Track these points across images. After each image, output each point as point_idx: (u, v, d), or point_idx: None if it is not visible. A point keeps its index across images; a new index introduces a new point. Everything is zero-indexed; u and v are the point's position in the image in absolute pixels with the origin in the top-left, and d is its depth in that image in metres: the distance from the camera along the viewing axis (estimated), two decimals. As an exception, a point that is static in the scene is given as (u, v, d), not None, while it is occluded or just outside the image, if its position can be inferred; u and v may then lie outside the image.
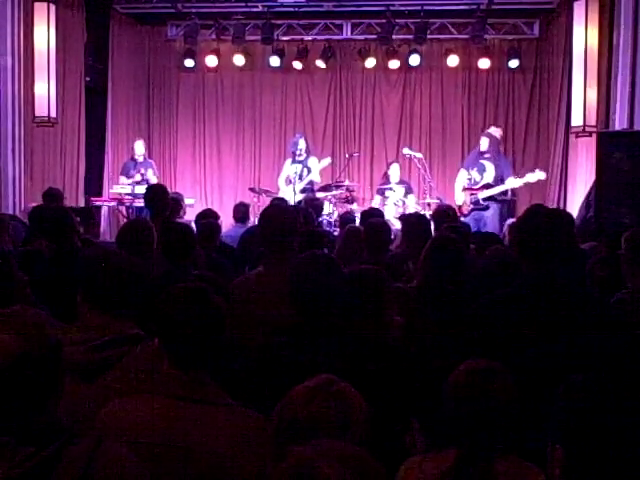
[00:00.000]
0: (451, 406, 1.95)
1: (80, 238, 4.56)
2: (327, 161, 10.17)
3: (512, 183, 9.08)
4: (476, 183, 9.24)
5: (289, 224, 3.46)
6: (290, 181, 9.73)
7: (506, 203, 10.03)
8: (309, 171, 9.86)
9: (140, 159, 10.16)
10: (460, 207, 9.07)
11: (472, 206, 8.99)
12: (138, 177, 9.80)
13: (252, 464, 1.82)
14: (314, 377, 1.75)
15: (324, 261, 2.68)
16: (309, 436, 1.58)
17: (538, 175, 9.11)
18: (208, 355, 1.98)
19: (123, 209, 9.68)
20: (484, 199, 9.05)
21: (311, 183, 9.80)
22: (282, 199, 7.82)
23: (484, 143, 9.43)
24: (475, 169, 9.32)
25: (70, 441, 1.47)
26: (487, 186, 9.09)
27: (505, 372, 1.99)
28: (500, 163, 9.36)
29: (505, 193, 9.27)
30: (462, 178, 9.43)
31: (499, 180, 9.13)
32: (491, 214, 9.04)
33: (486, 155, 9.36)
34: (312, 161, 10.00)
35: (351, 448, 1.28)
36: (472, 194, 9.13)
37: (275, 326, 2.69)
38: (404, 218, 5.78)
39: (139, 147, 10.24)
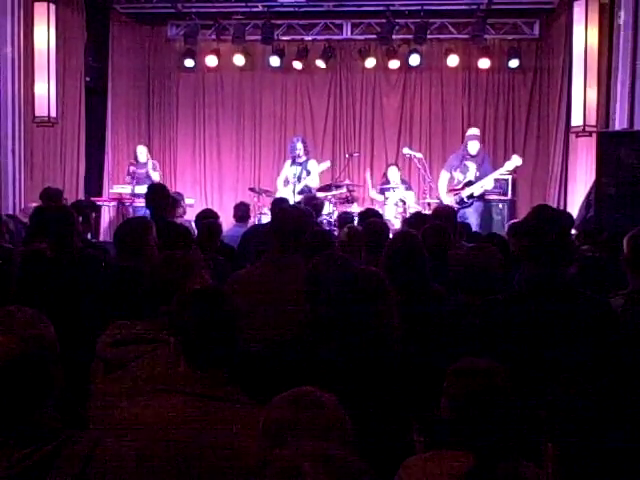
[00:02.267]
0: (453, 407, 1.94)
1: (81, 238, 4.55)
2: (326, 165, 10.13)
3: (492, 176, 9.11)
4: (459, 183, 9.25)
5: (303, 224, 3.54)
6: (288, 182, 9.74)
7: (505, 202, 10.04)
8: (308, 173, 9.84)
9: (142, 159, 10.22)
10: None
11: (457, 206, 8.99)
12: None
13: None
14: (296, 387, 1.77)
15: (341, 262, 2.75)
16: (281, 443, 1.60)
17: (515, 161, 9.14)
18: (223, 355, 2.00)
19: (130, 210, 9.65)
20: (468, 197, 9.08)
21: (306, 187, 9.77)
22: (284, 199, 7.81)
23: (476, 146, 9.37)
24: (458, 170, 9.34)
25: (68, 440, 1.47)
26: (469, 184, 9.11)
27: (502, 371, 1.98)
28: (482, 162, 9.37)
29: (503, 192, 9.27)
30: (444, 180, 9.44)
31: (481, 178, 9.14)
32: (472, 210, 9.06)
33: (472, 157, 9.35)
34: (312, 164, 9.95)
35: (334, 448, 1.29)
36: (456, 194, 9.15)
37: (284, 323, 2.73)
38: (405, 219, 5.80)
39: (140, 150, 10.31)
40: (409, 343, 2.80)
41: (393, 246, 3.42)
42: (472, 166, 9.28)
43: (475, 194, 9.01)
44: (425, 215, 6.07)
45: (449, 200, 9.23)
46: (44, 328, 1.55)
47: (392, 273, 3.14)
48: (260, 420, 1.71)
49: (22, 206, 8.57)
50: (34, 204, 7.26)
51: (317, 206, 7.28)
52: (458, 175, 9.33)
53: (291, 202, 8.70)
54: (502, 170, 9.18)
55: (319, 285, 2.67)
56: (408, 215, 8.11)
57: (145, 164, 10.18)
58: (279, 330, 2.86)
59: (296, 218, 3.57)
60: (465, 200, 9.08)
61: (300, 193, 9.54)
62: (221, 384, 1.95)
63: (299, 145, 9.92)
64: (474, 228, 8.26)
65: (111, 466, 1.52)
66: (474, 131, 9.72)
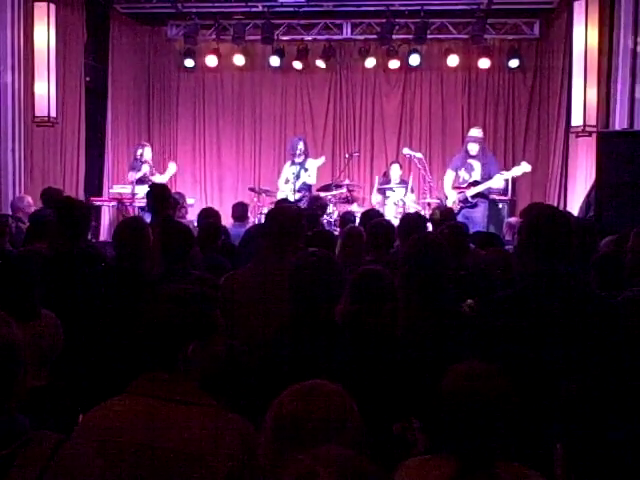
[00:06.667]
0: (447, 411, 1.91)
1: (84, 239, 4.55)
2: (321, 160, 10.13)
3: (499, 178, 9.05)
4: (465, 182, 9.22)
5: (290, 224, 3.47)
6: (288, 182, 9.76)
7: (505, 202, 10.03)
8: (306, 171, 9.85)
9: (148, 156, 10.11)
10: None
11: (461, 204, 8.96)
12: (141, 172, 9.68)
13: (221, 465, 1.81)
14: (305, 381, 1.76)
15: (324, 258, 2.69)
16: (295, 437, 1.60)
17: (524, 167, 9.08)
18: (187, 355, 1.95)
19: (130, 209, 9.59)
20: (472, 196, 9.04)
21: (304, 184, 9.78)
22: (286, 200, 7.82)
23: (474, 148, 9.34)
24: (463, 169, 9.31)
25: (28, 442, 1.45)
26: (475, 183, 9.07)
27: (502, 375, 1.93)
28: (487, 161, 9.34)
29: (503, 192, 9.26)
30: (449, 179, 9.41)
31: (486, 178, 9.10)
32: (480, 212, 9.02)
33: (474, 156, 9.33)
34: (310, 162, 9.99)
35: (350, 454, 1.29)
36: (460, 192, 9.12)
37: (271, 322, 2.71)
38: (402, 217, 5.76)
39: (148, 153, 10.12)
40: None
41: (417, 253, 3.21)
42: (477, 165, 9.26)
43: (477, 191, 8.98)
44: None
45: (453, 196, 9.21)
46: (6, 328, 1.52)
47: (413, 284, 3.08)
48: (269, 416, 1.69)
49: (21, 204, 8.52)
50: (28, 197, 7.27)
51: (321, 206, 7.30)
52: (463, 174, 9.30)
53: (291, 200, 8.72)
54: (510, 174, 9.10)
55: (301, 281, 2.61)
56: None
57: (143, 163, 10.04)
58: (267, 330, 2.83)
59: (283, 218, 3.48)
60: (469, 200, 9.05)
61: (299, 191, 9.57)
62: (181, 385, 1.92)
63: (300, 144, 9.94)
64: (479, 228, 8.25)
65: (74, 468, 1.50)
66: (474, 132, 9.67)
